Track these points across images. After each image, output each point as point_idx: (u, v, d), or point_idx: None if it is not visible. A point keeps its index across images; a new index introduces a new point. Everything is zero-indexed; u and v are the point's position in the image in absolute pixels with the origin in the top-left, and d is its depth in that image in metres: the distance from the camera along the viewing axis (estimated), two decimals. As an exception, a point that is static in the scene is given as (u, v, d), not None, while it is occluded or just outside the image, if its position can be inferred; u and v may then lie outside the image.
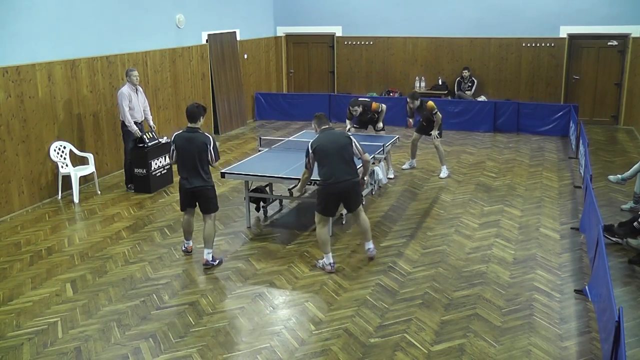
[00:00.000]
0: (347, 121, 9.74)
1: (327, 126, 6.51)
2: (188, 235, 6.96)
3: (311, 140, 6.43)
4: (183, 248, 7.04)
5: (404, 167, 10.48)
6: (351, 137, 6.49)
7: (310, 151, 6.33)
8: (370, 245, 6.71)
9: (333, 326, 5.34)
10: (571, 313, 5.54)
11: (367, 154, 6.63)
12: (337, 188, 6.27)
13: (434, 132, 9.88)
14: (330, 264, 6.45)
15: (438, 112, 9.80)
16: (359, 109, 9.45)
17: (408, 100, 10.02)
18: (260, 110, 15.28)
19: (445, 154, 11.37)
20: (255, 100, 15.22)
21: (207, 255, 6.59)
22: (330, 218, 6.65)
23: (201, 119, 6.53)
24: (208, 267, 6.59)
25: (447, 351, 4.93)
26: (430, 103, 9.81)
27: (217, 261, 6.67)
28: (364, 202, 7.03)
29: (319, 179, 6.44)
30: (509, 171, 10.25)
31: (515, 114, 13.30)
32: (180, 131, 6.56)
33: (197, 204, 6.66)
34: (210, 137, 6.51)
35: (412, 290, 5.99)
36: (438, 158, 10.17)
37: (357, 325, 5.36)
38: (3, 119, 8.12)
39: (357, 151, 6.45)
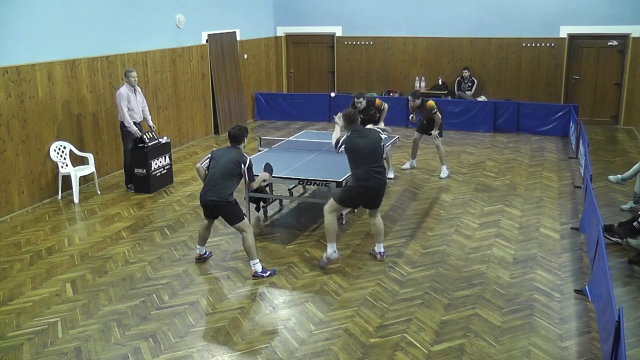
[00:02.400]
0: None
1: (357, 126, 6.51)
2: (201, 240, 6.69)
3: (342, 138, 6.50)
4: (196, 253, 6.80)
5: (404, 167, 10.47)
6: (381, 135, 6.50)
7: (342, 147, 6.44)
8: (381, 248, 6.70)
9: (333, 326, 5.34)
10: (571, 313, 5.54)
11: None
12: (370, 189, 6.32)
13: (434, 132, 9.89)
14: (334, 251, 6.40)
15: (438, 112, 9.79)
16: (363, 102, 9.38)
17: (409, 98, 10.02)
18: (260, 110, 15.28)
19: (446, 154, 11.38)
20: (255, 100, 15.22)
21: (254, 265, 6.31)
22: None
23: (244, 141, 6.45)
24: (257, 278, 6.29)
25: (447, 351, 4.93)
26: (431, 102, 9.80)
27: (269, 272, 6.33)
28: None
29: (351, 180, 6.47)
30: (509, 171, 10.25)
31: (515, 114, 13.31)
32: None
33: (218, 216, 6.49)
34: (248, 158, 6.33)
35: (412, 290, 5.99)
36: (439, 158, 10.18)
37: (357, 325, 5.36)
38: (3, 119, 8.12)
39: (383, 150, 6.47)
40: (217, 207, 6.24)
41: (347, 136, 6.44)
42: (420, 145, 10.66)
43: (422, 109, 9.93)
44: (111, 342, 5.14)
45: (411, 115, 10.52)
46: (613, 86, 13.77)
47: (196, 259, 6.76)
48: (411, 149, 10.56)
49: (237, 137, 6.38)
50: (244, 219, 6.32)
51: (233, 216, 6.28)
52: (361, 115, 9.46)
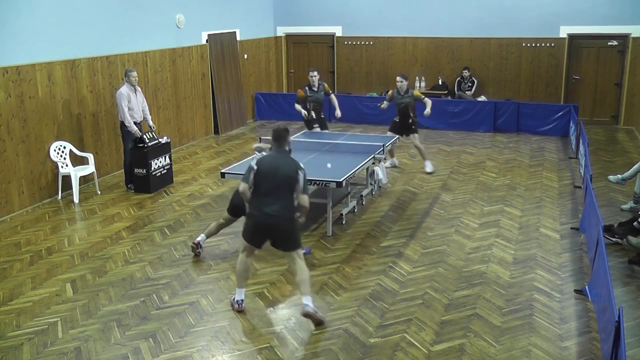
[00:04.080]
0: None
1: (283, 147, 5.43)
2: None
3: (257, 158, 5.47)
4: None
5: (386, 165, 10.22)
6: (301, 171, 5.31)
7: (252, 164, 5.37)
8: (307, 300, 5.26)
9: (333, 326, 5.34)
10: (571, 313, 5.54)
11: (306, 197, 5.33)
12: (260, 225, 5.32)
13: (428, 110, 9.91)
14: (238, 301, 5.56)
15: (426, 98, 10.03)
16: (316, 79, 10.01)
17: (398, 79, 10.05)
18: (260, 110, 15.27)
19: (446, 154, 11.39)
20: (255, 100, 15.22)
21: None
22: (253, 250, 5.60)
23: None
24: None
25: (447, 351, 4.93)
26: (417, 92, 10.07)
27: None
28: (305, 251, 6.26)
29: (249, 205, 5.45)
30: (509, 171, 10.25)
31: (515, 114, 13.30)
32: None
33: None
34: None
35: (412, 290, 5.99)
36: (421, 156, 10.29)
37: (357, 325, 5.36)
38: (3, 119, 8.12)
39: (299, 187, 5.28)
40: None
41: (262, 155, 5.50)
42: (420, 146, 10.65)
43: (403, 96, 10.00)
44: (111, 342, 5.14)
45: (385, 102, 10.48)
46: (613, 86, 13.76)
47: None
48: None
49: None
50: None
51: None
52: (311, 96, 10.13)
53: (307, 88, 10.11)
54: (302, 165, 5.38)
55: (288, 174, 5.27)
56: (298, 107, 10.13)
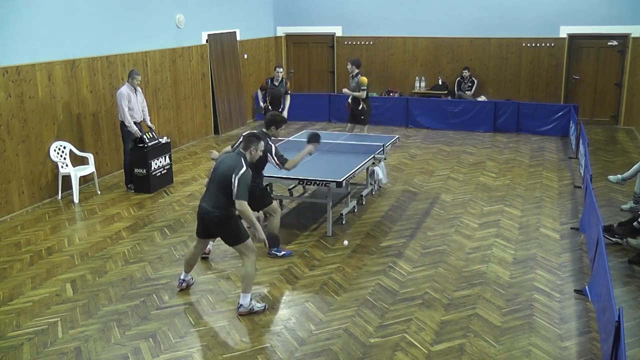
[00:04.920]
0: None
1: (242, 150, 5.62)
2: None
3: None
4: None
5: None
6: (236, 175, 5.35)
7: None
8: (242, 299, 5.56)
9: (333, 326, 5.34)
10: (571, 313, 5.54)
11: (242, 202, 5.31)
12: (199, 213, 5.64)
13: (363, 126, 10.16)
14: (180, 280, 6.06)
15: (366, 92, 10.07)
16: (280, 75, 11.03)
17: (349, 65, 10.36)
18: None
19: (446, 154, 11.38)
20: (255, 100, 15.20)
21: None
22: (200, 240, 5.85)
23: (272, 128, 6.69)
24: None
25: (447, 351, 4.93)
26: (364, 78, 10.14)
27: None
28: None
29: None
30: (509, 171, 10.25)
31: (515, 114, 13.30)
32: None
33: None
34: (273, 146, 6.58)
35: (412, 290, 5.99)
36: None
37: (357, 325, 5.36)
38: (3, 119, 8.12)
39: (233, 191, 5.36)
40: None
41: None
42: (420, 145, 10.66)
43: (352, 82, 10.20)
44: (111, 342, 5.14)
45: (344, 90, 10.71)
46: (613, 86, 13.76)
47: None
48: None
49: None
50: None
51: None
52: (271, 89, 11.05)
53: (269, 80, 11.22)
54: (242, 171, 5.37)
55: (224, 174, 5.44)
56: (259, 94, 11.53)
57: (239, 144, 6.00)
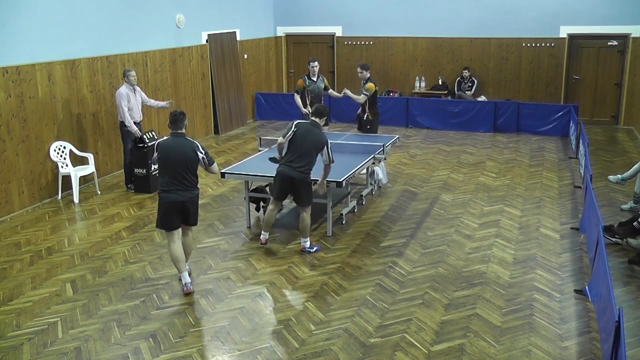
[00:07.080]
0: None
1: (178, 130, 5.87)
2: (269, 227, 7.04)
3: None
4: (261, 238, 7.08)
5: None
6: (198, 149, 5.80)
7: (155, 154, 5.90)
8: (187, 278, 5.98)
9: (333, 326, 5.34)
10: (571, 313, 5.54)
11: (214, 166, 5.95)
12: (175, 202, 5.79)
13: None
14: (185, 283, 5.99)
15: (368, 98, 9.24)
16: (316, 68, 9.74)
17: (358, 70, 9.55)
18: (260, 110, 15.27)
19: (446, 154, 11.38)
20: (255, 100, 15.22)
21: (304, 242, 6.91)
22: (176, 231, 5.92)
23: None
24: (304, 253, 6.92)
25: (447, 351, 4.93)
26: (371, 84, 9.27)
27: (315, 248, 6.97)
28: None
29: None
30: (509, 171, 10.25)
31: (515, 114, 13.30)
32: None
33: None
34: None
35: (412, 290, 5.99)
36: None
37: (357, 325, 5.36)
38: (3, 119, 8.12)
39: (203, 163, 5.86)
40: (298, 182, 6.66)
41: (163, 138, 5.99)
42: (420, 145, 10.66)
43: (363, 87, 9.39)
44: (111, 342, 5.14)
45: (345, 90, 9.73)
46: (613, 86, 13.76)
47: (263, 242, 7.06)
48: None
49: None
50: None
51: (307, 194, 6.77)
52: (309, 86, 9.72)
53: (306, 77, 9.80)
54: (197, 143, 5.89)
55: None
56: (297, 100, 9.75)
57: (172, 123, 5.88)
